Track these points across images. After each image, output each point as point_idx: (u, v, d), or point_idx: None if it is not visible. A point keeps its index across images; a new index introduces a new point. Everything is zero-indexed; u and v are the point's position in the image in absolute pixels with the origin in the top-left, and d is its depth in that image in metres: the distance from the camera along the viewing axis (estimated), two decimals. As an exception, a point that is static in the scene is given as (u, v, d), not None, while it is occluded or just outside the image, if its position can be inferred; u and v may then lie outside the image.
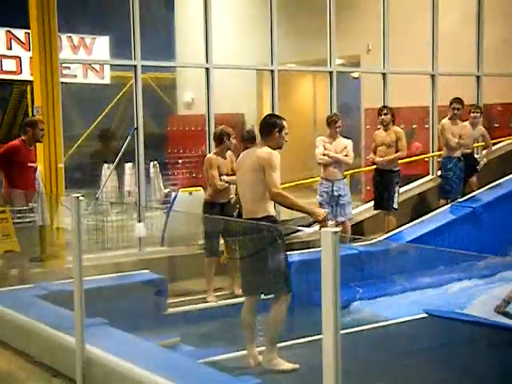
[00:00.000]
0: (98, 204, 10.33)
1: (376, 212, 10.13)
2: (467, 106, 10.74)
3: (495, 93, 12.85)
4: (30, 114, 13.32)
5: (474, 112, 10.53)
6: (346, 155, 9.04)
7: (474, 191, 10.26)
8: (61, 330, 5.17)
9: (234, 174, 7.12)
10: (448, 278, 8.30)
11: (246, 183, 5.61)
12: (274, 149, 5.54)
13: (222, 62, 10.49)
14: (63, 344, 5.05)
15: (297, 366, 5.45)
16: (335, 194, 9.02)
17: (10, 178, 7.63)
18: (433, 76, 12.07)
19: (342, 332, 3.00)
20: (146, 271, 7.36)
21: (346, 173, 9.44)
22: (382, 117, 9.47)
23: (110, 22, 14.51)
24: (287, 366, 5.48)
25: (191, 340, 6.31)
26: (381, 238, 8.97)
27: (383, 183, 9.44)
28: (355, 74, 14.64)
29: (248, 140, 7.72)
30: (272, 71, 10.38)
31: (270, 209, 5.53)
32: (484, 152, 10.70)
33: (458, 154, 10.14)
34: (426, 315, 7.02)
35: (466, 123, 10.52)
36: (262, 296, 5.76)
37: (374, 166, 9.79)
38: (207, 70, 9.80)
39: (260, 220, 5.44)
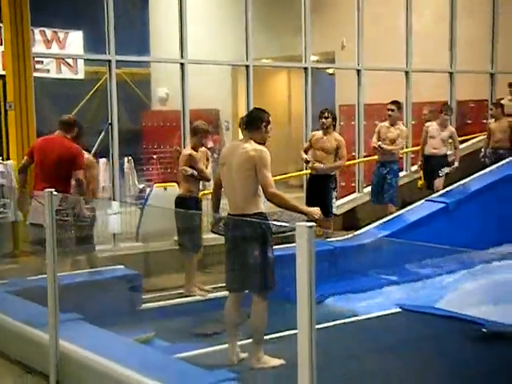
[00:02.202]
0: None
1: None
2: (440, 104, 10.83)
3: (468, 90, 12.99)
4: (2, 109, 13.18)
5: (446, 114, 10.49)
6: None
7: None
8: (34, 326, 5.13)
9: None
10: (422, 272, 8.37)
11: (234, 180, 5.44)
12: (259, 143, 5.44)
13: (197, 58, 10.47)
14: (37, 340, 5.01)
15: (282, 361, 5.39)
16: None
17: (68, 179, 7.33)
18: (407, 73, 12.16)
19: (317, 327, 3.02)
20: (121, 267, 7.34)
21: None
22: (323, 120, 8.83)
23: (83, 16, 14.38)
24: (275, 361, 5.43)
25: (166, 335, 6.30)
26: (357, 233, 9.00)
27: (319, 189, 8.89)
28: (330, 71, 14.70)
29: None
30: (247, 67, 10.39)
31: (261, 205, 5.45)
32: (451, 152, 10.64)
33: (381, 158, 9.92)
34: (399, 310, 7.08)
35: (403, 127, 10.21)
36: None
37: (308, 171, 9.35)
38: (182, 65, 9.78)
39: (251, 216, 5.35)
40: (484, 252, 8.70)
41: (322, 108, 9.21)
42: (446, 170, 10.29)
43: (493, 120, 11.25)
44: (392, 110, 9.87)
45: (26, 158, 7.45)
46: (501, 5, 13.34)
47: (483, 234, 9.23)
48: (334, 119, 8.99)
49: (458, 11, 12.73)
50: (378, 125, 10.17)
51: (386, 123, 9.99)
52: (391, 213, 9.63)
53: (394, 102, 10.00)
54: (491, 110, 11.35)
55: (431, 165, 10.29)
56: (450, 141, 10.47)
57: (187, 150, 7.91)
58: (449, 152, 10.53)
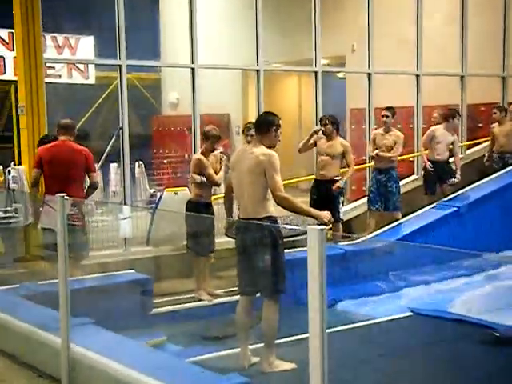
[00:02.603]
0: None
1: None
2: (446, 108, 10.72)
3: (479, 93, 12.94)
4: (14, 114, 13.27)
5: (459, 119, 10.34)
6: None
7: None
8: (46, 330, 5.15)
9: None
10: (433, 276, 8.34)
11: (245, 185, 5.46)
12: (268, 147, 5.43)
13: (208, 62, 10.49)
14: (48, 344, 5.03)
15: (294, 365, 5.37)
16: None
17: (82, 182, 7.37)
18: (417, 76, 12.13)
19: (328, 331, 3.02)
20: (132, 271, 7.36)
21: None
22: (322, 128, 8.80)
23: (94, 21, 14.48)
24: (287, 365, 5.42)
25: (177, 339, 6.30)
26: (368, 237, 8.96)
27: (327, 194, 8.74)
28: (341, 74, 14.69)
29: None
30: (257, 71, 10.39)
31: (271, 209, 5.45)
32: (451, 160, 10.48)
33: (378, 165, 9.76)
34: (410, 314, 7.05)
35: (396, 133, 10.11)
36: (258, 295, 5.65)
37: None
38: (192, 70, 9.79)
39: (261, 220, 5.37)
40: (496, 255, 8.65)
41: (331, 112, 9.18)
42: (455, 180, 10.12)
43: (496, 124, 11.11)
44: (387, 117, 9.66)
45: (35, 170, 7.22)
46: (512, 8, 13.30)
47: (495, 238, 9.18)
48: (335, 124, 8.85)
49: (468, 14, 12.68)
50: (372, 132, 10.06)
51: (381, 130, 9.83)
52: (397, 220, 9.56)
53: (389, 108, 9.79)
54: (494, 113, 11.16)
55: (436, 171, 10.14)
56: (451, 147, 10.33)
57: (197, 155, 7.97)
58: (450, 160, 10.41)
